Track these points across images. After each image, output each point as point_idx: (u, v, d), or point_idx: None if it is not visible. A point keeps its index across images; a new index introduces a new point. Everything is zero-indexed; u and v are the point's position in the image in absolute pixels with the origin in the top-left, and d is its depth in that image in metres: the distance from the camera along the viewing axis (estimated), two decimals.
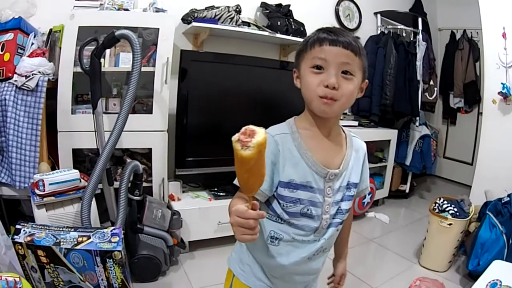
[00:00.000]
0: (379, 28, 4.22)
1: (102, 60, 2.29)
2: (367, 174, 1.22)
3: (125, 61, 2.49)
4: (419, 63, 4.05)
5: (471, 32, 4.70)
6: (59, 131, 2.34)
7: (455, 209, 2.66)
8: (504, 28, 2.76)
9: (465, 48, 4.75)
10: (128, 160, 2.53)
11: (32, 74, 2.13)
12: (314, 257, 1.12)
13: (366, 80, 1.08)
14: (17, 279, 1.42)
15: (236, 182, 0.83)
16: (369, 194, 3.58)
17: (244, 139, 0.72)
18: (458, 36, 4.90)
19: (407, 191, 4.33)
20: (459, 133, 5.11)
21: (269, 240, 1.09)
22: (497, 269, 1.41)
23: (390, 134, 3.99)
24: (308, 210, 1.04)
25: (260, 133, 0.73)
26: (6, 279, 1.41)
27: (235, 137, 0.73)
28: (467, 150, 4.77)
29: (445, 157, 5.29)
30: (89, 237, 1.68)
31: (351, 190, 1.12)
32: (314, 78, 0.98)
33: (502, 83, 2.76)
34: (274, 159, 1.00)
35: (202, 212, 2.65)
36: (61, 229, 1.72)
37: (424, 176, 5.04)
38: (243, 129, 0.74)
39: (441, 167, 5.25)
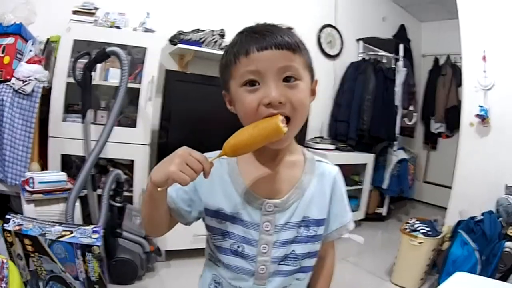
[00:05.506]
0: (360, 55, 4.52)
1: (93, 73, 2.56)
2: (343, 208, 1.01)
3: (114, 76, 2.73)
4: (397, 89, 4.31)
5: (455, 57, 4.94)
6: (50, 136, 2.60)
7: (427, 229, 2.84)
8: (484, 51, 2.86)
9: (448, 74, 5.02)
10: (112, 169, 2.77)
11: (29, 80, 2.35)
12: None
13: (316, 79, 0.93)
14: (4, 260, 1.62)
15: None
16: None
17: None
18: (441, 62, 5.19)
19: (384, 214, 4.56)
20: (440, 157, 5.37)
21: (213, 285, 0.97)
22: (458, 280, 1.38)
23: (366, 158, 4.22)
24: (239, 247, 0.90)
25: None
26: None
27: (278, 116, 0.78)
28: (448, 174, 4.73)
29: (426, 182, 5.55)
30: (71, 232, 1.91)
31: (310, 229, 0.93)
32: (250, 98, 0.82)
33: (480, 106, 2.85)
34: (197, 183, 0.86)
35: (178, 224, 2.87)
36: (47, 223, 1.95)
37: (404, 200, 5.25)
38: (273, 113, 0.80)
39: (421, 191, 5.49)
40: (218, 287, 0.96)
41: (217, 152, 0.82)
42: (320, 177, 0.96)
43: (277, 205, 0.89)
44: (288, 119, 0.82)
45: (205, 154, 0.88)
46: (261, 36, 0.81)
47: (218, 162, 0.89)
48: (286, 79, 0.82)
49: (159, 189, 0.77)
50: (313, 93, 0.92)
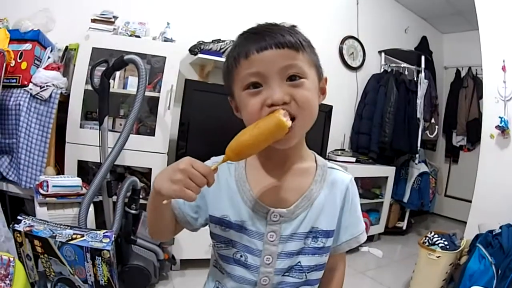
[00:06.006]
0: (382, 67, 4.48)
1: (111, 81, 2.58)
2: (355, 219, 0.95)
3: (133, 84, 2.71)
4: (419, 101, 4.23)
5: (476, 69, 4.87)
6: (67, 142, 2.62)
7: (445, 242, 2.76)
8: (504, 61, 2.82)
9: (469, 86, 4.95)
10: (128, 176, 2.76)
11: (47, 86, 2.38)
12: None
13: (325, 76, 0.89)
14: (11, 258, 1.64)
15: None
16: None
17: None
18: (463, 74, 5.11)
19: (404, 228, 4.45)
20: (461, 171, 5.24)
21: None
22: None
23: (387, 171, 4.15)
24: (242, 256, 0.87)
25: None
26: (0, 256, 1.63)
27: (279, 110, 0.75)
28: (469, 188, 4.75)
29: (446, 195, 5.43)
30: (82, 236, 1.90)
31: (318, 240, 0.87)
32: (253, 101, 0.78)
33: (500, 117, 2.81)
34: (205, 188, 0.76)
35: (194, 233, 2.83)
36: (58, 225, 1.95)
37: (425, 215, 5.17)
38: (274, 109, 0.76)
39: (442, 205, 5.37)
40: None
41: (222, 157, 0.77)
42: (331, 185, 0.90)
43: (283, 215, 0.85)
44: (294, 119, 0.77)
45: (212, 158, 0.90)
46: (260, 36, 0.78)
47: (226, 168, 0.89)
48: (291, 78, 0.78)
49: (164, 202, 0.74)
50: (323, 91, 0.88)
